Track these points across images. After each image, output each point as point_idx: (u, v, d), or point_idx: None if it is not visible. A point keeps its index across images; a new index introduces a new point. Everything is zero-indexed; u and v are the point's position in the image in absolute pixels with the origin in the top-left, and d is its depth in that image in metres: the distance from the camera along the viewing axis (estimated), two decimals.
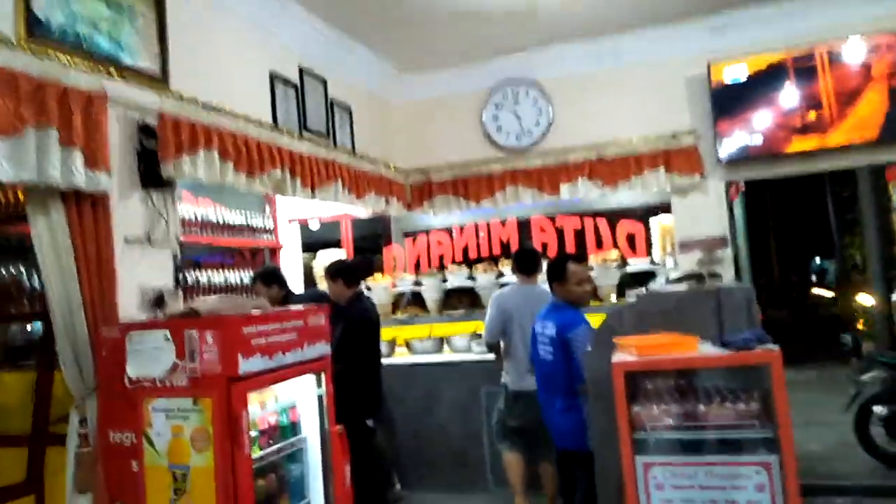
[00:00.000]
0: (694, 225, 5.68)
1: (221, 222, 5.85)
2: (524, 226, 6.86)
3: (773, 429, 2.67)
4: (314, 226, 7.97)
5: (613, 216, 6.93)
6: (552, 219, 6.66)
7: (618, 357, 2.94)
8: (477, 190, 6.11)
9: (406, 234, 8.02)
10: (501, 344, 4.83)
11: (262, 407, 3.29)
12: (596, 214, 6.68)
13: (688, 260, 5.66)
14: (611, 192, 5.82)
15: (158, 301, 3.61)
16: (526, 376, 4.55)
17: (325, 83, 5.37)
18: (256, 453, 3.25)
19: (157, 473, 3.05)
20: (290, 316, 3.33)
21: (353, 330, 4.63)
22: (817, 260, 18.08)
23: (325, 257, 7.07)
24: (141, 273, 3.54)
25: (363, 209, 5.58)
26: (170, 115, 3.54)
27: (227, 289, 5.64)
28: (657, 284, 5.17)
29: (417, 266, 7.08)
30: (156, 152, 3.52)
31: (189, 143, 3.63)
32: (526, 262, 4.87)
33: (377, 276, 6.85)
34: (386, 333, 6.67)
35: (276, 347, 3.19)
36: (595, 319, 3.89)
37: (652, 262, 6.04)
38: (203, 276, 5.50)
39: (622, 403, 2.80)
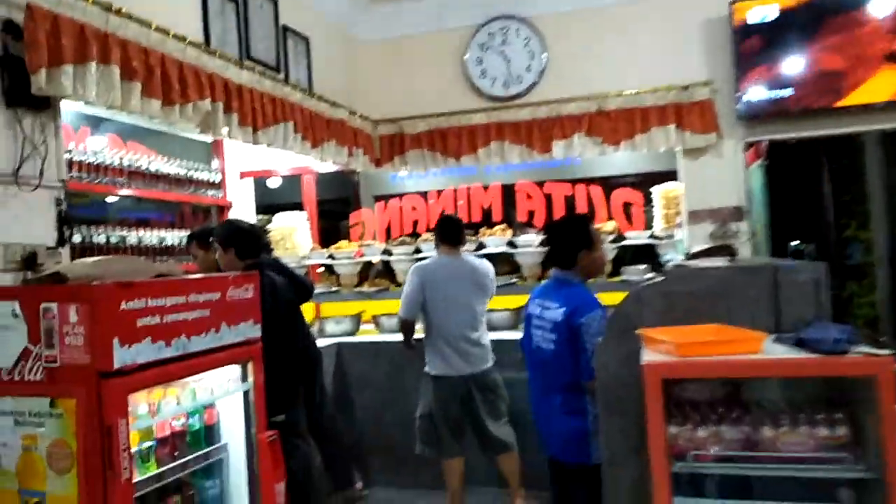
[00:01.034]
0: (706, 193, 4.80)
1: (155, 172, 4.87)
2: (508, 192, 6.00)
3: (871, 466, 1.83)
4: (274, 183, 7.02)
5: (608, 184, 6.09)
6: (540, 185, 5.80)
7: (649, 356, 2.07)
8: (457, 145, 5.14)
9: (377, 199, 7.11)
10: (418, 324, 4.16)
11: (156, 410, 2.37)
12: (589, 181, 5.83)
13: (697, 233, 4.80)
14: (612, 150, 4.91)
15: (29, 262, 2.67)
16: (453, 359, 3.98)
17: (275, 4, 4.38)
18: (150, 471, 2.35)
19: (2, 499, 2.17)
20: (198, 285, 2.40)
21: None
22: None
23: (284, 220, 6.14)
24: (4, 223, 2.60)
25: (321, 160, 4.61)
26: (43, 9, 2.55)
27: (163, 251, 4.69)
28: (675, 259, 4.31)
29: (388, 234, 6.18)
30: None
31: (74, 50, 2.65)
32: (451, 231, 4.20)
33: (342, 243, 5.93)
34: (351, 308, 5.79)
35: (177, 329, 2.26)
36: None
37: (653, 235, 5.18)
38: (132, 236, 4.54)
39: (657, 423, 1.93)
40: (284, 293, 3.58)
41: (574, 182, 5.78)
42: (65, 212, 2.90)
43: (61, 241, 2.87)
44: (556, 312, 3.01)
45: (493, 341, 4.76)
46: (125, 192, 4.37)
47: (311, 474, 4.12)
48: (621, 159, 6.50)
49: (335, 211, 7.93)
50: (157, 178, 4.89)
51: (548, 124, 4.93)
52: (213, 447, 2.63)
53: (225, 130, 3.55)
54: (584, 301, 2.95)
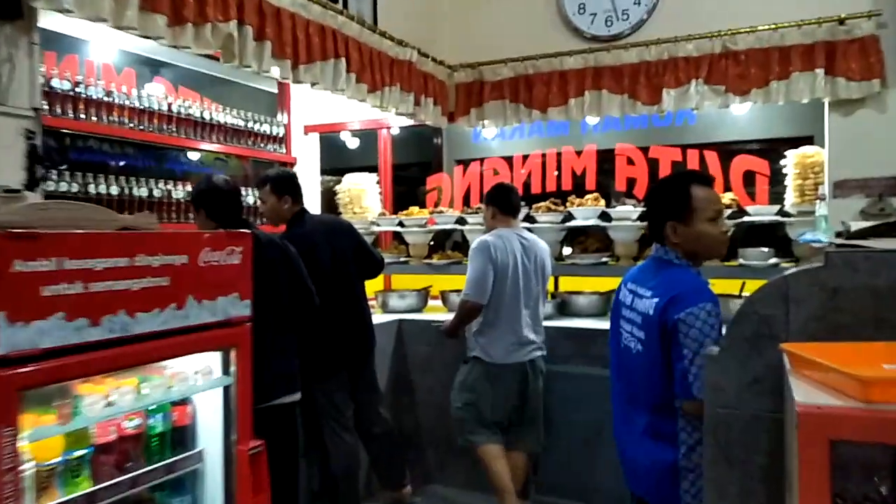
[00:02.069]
0: (858, 159, 3.68)
1: (210, 121, 4.33)
2: (605, 157, 5.08)
3: None
4: (352, 143, 6.42)
5: (727, 150, 5.04)
6: (644, 150, 4.84)
7: (805, 393, 1.22)
8: (544, 94, 4.22)
9: (459, 163, 6.35)
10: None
11: (95, 408, 1.74)
12: (703, 147, 4.81)
13: (842, 210, 3.73)
14: (738, 102, 3.86)
15: None
16: (515, 348, 3.50)
17: None
18: (80, 489, 1.73)
19: None
20: (152, 243, 1.73)
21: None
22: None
23: (353, 181, 5.50)
24: None
25: (381, 108, 3.88)
26: None
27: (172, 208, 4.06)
28: (818, 239, 3.28)
29: (467, 201, 5.43)
30: None
31: None
32: (511, 201, 3.66)
33: (413, 209, 5.23)
34: (419, 282, 5.12)
35: (111, 303, 1.61)
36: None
37: (782, 211, 4.15)
38: (179, 190, 4.02)
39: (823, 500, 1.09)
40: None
41: (685, 147, 4.79)
42: (39, 148, 2.32)
43: (31, 183, 2.29)
44: (649, 303, 2.13)
45: (575, 330, 3.98)
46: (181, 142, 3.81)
47: (351, 475, 3.50)
48: (743, 121, 5.39)
49: (414, 177, 7.23)
50: (212, 128, 4.36)
51: (658, 69, 3.94)
52: (182, 456, 1.99)
53: (254, 61, 2.86)
54: (687, 289, 2.05)
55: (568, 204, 4.69)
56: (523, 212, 4.74)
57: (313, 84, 3.27)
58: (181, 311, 1.76)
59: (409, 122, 4.85)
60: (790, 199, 4.12)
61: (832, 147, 3.82)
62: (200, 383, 1.93)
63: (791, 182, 4.10)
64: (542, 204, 4.73)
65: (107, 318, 1.58)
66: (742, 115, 5.08)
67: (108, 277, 1.58)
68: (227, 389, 1.96)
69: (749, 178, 4.61)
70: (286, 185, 3.48)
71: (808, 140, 4.85)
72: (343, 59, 3.39)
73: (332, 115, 5.16)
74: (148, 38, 2.50)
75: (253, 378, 2.04)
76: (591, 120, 5.34)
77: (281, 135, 4.92)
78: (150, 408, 1.88)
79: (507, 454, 3.57)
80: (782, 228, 4.31)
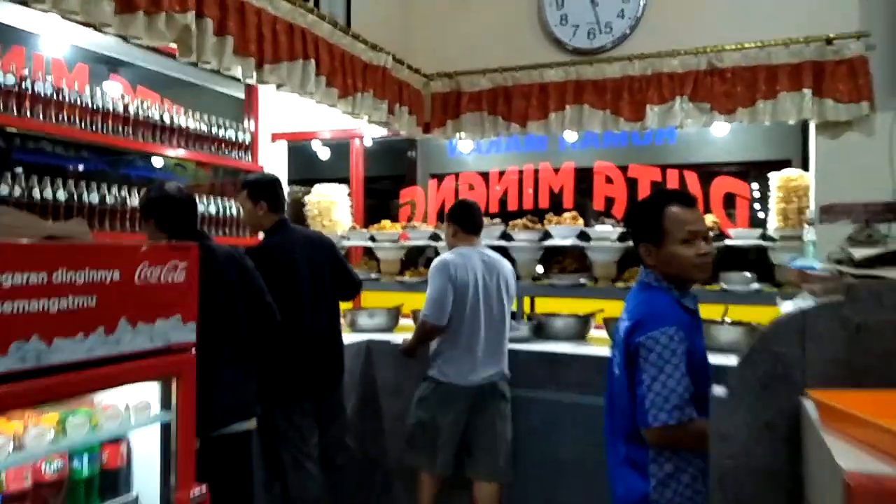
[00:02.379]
0: (844, 183, 3.55)
1: (170, 125, 4.05)
2: (583, 176, 4.92)
3: None
4: (323, 154, 6.16)
5: (706, 170, 4.91)
6: (623, 169, 4.69)
7: (852, 458, 1.01)
8: (524, 107, 4.02)
9: (434, 177, 6.14)
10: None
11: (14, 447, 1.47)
12: (683, 167, 4.67)
13: (828, 236, 3.59)
14: (723, 120, 3.71)
15: None
16: (471, 370, 3.34)
17: None
18: None
19: None
20: (77, 257, 1.48)
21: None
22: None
23: (323, 192, 5.25)
24: None
25: (352, 115, 3.64)
26: None
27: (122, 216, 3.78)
28: (809, 265, 3.11)
29: (441, 216, 5.21)
30: None
31: None
32: (473, 217, 3.54)
33: (385, 223, 5.01)
34: (387, 299, 4.87)
35: (22, 326, 1.36)
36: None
37: (764, 235, 4.01)
38: (135, 197, 3.73)
39: None
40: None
41: (665, 167, 4.65)
42: None
43: None
44: (622, 326, 2.08)
45: (551, 354, 3.78)
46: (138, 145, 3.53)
47: None
48: (722, 143, 5.29)
49: (386, 190, 7.01)
50: (171, 132, 4.09)
51: (641, 84, 3.77)
52: (118, 500, 1.72)
53: (213, 57, 2.62)
54: (653, 312, 1.98)
55: (545, 222, 4.51)
56: (499, 229, 4.57)
57: (279, 86, 3.03)
58: (111, 337, 1.50)
59: (383, 132, 4.63)
60: (773, 222, 3.98)
61: (819, 170, 3.69)
62: (135, 420, 1.66)
63: (774, 205, 3.96)
64: (518, 221, 4.55)
65: (16, 345, 1.32)
66: (721, 137, 4.96)
67: (18, 296, 1.32)
68: (166, 426, 1.70)
69: (729, 200, 4.50)
70: (263, 189, 3.27)
71: (785, 163, 4.75)
72: (312, 61, 3.15)
73: (302, 123, 4.92)
74: (92, 26, 2.24)
75: (202, 405, 1.80)
76: (570, 136, 5.16)
77: (247, 142, 4.66)
78: (74, 449, 1.61)
79: (476, 484, 3.41)
80: (763, 253, 4.18)
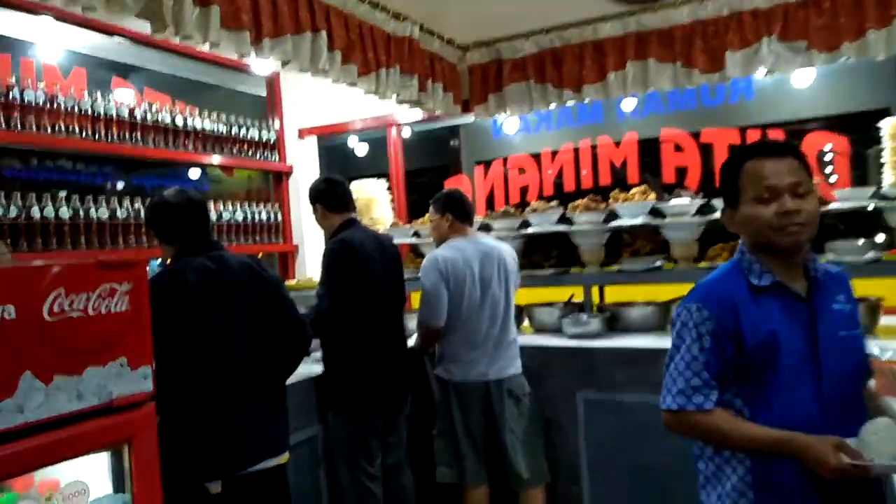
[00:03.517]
0: None
1: (187, 128, 3.62)
2: (648, 146, 4.30)
3: None
4: (361, 150, 5.70)
5: (792, 128, 4.21)
6: (694, 135, 4.05)
7: None
8: (577, 70, 3.36)
9: (479, 163, 5.58)
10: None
11: None
12: (765, 127, 3.99)
13: None
14: (823, 60, 3.01)
15: None
16: (475, 365, 3.08)
17: None
18: None
19: None
20: None
21: (324, 270, 2.88)
22: None
23: (361, 188, 4.76)
24: None
25: (377, 94, 3.11)
26: None
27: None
28: None
29: (491, 204, 4.67)
30: None
31: None
32: (464, 206, 3.26)
33: (427, 216, 4.48)
34: None
35: None
36: None
37: (879, 194, 3.30)
38: (99, 210, 3.29)
39: None
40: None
41: (744, 129, 3.98)
42: None
43: None
44: None
45: (627, 350, 3.23)
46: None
47: None
48: (808, 96, 4.54)
49: (429, 183, 6.48)
50: (191, 136, 3.66)
51: (717, 28, 3.06)
52: None
53: (196, 31, 2.12)
54: (695, 286, 1.73)
55: (611, 200, 3.89)
56: (556, 212, 3.98)
57: (284, 63, 2.52)
58: (10, 402, 1.01)
59: (419, 115, 4.09)
60: (888, 178, 3.26)
61: None
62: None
63: (888, 158, 3.24)
64: (579, 202, 3.92)
65: None
66: (804, 89, 4.23)
67: None
68: None
69: (824, 157, 3.80)
70: (318, 194, 3.06)
71: (884, 113, 4.00)
72: (323, 33, 2.63)
73: (332, 115, 4.44)
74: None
75: (213, 449, 1.33)
76: (628, 105, 4.55)
77: (273, 140, 4.21)
78: None
79: (522, 494, 3.13)
80: (876, 217, 3.46)
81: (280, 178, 4.27)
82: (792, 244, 1.60)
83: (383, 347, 2.90)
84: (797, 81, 4.04)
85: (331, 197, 3.02)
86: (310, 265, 4.32)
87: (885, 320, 3.25)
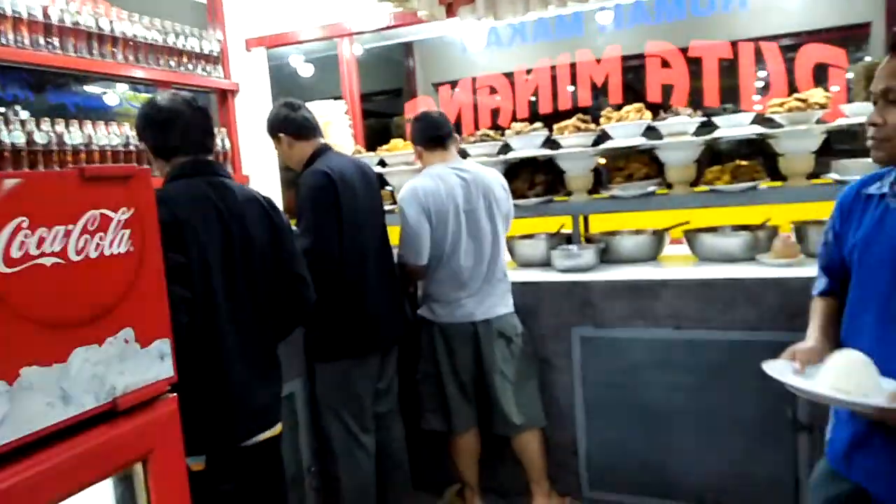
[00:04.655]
0: None
1: (115, 34, 2.94)
2: (632, 62, 3.94)
3: None
4: (305, 70, 5.07)
5: (785, 43, 3.91)
6: (682, 49, 3.71)
7: None
8: None
9: (438, 85, 5.07)
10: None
11: None
12: (758, 40, 3.68)
13: None
14: None
15: None
16: (461, 304, 2.79)
17: None
18: None
19: None
20: None
21: (302, 206, 2.50)
22: None
23: (316, 110, 4.18)
24: None
25: None
26: None
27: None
28: None
29: (458, 129, 4.20)
30: None
31: None
32: (435, 129, 2.85)
33: (396, 142, 4.00)
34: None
35: None
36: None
37: None
38: (82, 132, 2.67)
39: None
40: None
41: (735, 42, 3.66)
42: None
43: None
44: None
45: (624, 283, 2.99)
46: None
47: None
48: (801, 7, 4.26)
49: (382, 111, 5.91)
50: (114, 41, 2.98)
51: None
52: None
53: None
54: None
55: (603, 119, 3.51)
56: (541, 135, 3.57)
57: None
58: None
59: (374, 24, 3.54)
60: None
61: None
62: None
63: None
64: (567, 123, 3.55)
65: None
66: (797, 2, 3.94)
67: None
68: None
69: (821, 72, 3.55)
70: (275, 123, 2.68)
71: (864, 27, 3.76)
72: None
73: (278, 25, 3.80)
74: None
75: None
76: (605, 17, 4.16)
77: (215, 53, 3.55)
78: None
79: (515, 439, 2.90)
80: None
81: (225, 97, 3.64)
82: (876, 159, 1.52)
83: (372, 283, 2.61)
84: None
85: (295, 123, 2.66)
86: None
87: None
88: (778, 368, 1.52)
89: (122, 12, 3.02)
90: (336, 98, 4.23)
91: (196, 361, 1.67)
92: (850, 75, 3.54)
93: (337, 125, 4.06)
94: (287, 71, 4.96)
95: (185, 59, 3.33)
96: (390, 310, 2.71)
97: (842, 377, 1.39)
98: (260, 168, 3.75)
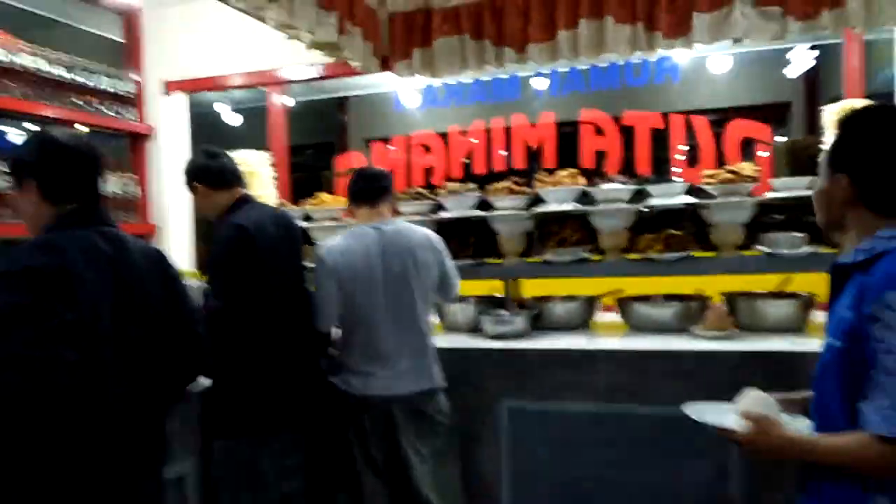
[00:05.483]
0: None
1: (15, 67, 2.64)
2: (567, 129, 3.94)
3: None
4: (234, 119, 4.84)
5: (714, 117, 3.98)
6: (616, 118, 3.72)
7: None
8: (519, 26, 2.88)
9: (370, 141, 4.93)
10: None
11: None
12: (689, 113, 3.73)
13: None
14: (799, 29, 2.68)
15: None
16: (375, 376, 2.48)
17: None
18: None
19: None
20: None
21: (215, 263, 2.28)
22: None
23: (240, 159, 3.94)
24: None
25: (284, 31, 2.40)
26: None
27: None
28: None
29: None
30: None
31: None
32: (365, 185, 2.63)
33: (324, 196, 3.80)
34: None
35: None
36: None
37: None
38: None
39: None
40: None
41: (666, 114, 3.70)
42: None
43: None
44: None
45: (556, 352, 2.80)
46: None
47: None
48: (728, 84, 4.38)
49: (311, 164, 5.71)
50: (16, 75, 2.68)
51: None
52: None
53: None
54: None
55: (537, 183, 3.42)
56: (473, 196, 3.45)
57: None
58: None
59: (307, 74, 3.38)
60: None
61: None
62: None
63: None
64: (499, 184, 3.44)
65: None
66: (723, 76, 4.05)
67: None
68: None
69: (747, 146, 3.62)
70: (195, 172, 2.45)
71: (786, 107, 3.88)
72: None
73: (204, 69, 3.58)
74: None
75: None
76: (541, 83, 4.17)
77: (130, 94, 3.29)
78: None
79: None
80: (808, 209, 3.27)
81: (138, 140, 3.35)
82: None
83: (287, 350, 2.36)
84: (715, 67, 3.91)
85: (212, 172, 2.44)
86: (173, 252, 3.46)
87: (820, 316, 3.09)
88: (698, 409, 1.60)
89: (22, 43, 2.74)
90: (263, 149, 4.01)
91: (74, 434, 1.40)
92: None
93: (260, 176, 3.83)
94: (212, 118, 4.71)
95: (92, 99, 3.04)
96: (306, 380, 2.46)
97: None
98: (171, 218, 3.45)
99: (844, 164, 1.37)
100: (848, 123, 1.40)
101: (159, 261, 1.73)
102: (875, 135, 1.35)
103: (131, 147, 3.39)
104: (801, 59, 4.13)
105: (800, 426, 1.45)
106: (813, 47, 4.25)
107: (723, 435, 1.47)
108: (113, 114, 3.19)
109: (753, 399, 1.51)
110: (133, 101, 3.30)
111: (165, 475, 1.75)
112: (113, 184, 3.17)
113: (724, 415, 1.52)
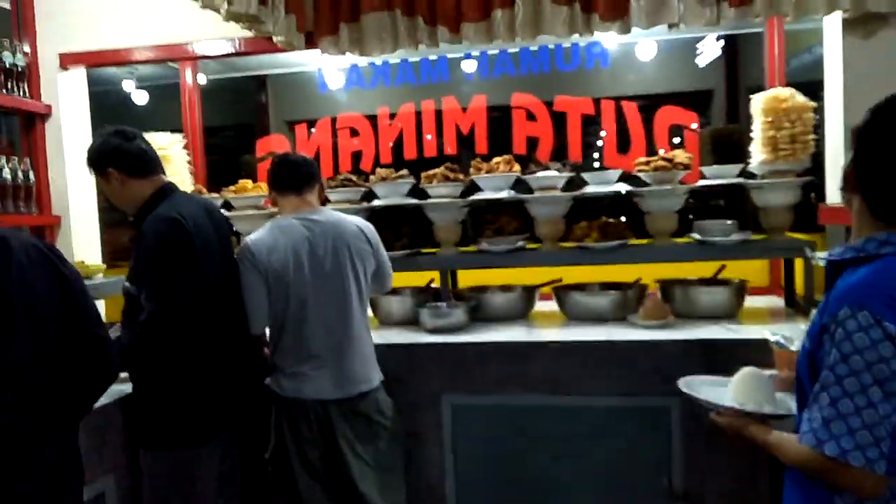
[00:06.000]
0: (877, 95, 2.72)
1: None
2: (499, 113, 3.83)
3: None
4: (140, 97, 4.46)
5: (643, 102, 3.95)
6: (547, 103, 3.64)
7: None
8: (454, 4, 2.71)
9: (293, 123, 4.65)
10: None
11: None
12: (620, 99, 3.69)
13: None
14: (735, 14, 2.59)
15: None
16: (307, 377, 2.32)
17: None
18: None
19: None
20: None
21: (148, 262, 2.01)
22: None
23: (155, 143, 3.60)
24: None
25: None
26: None
27: None
28: None
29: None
30: None
31: None
32: (288, 173, 2.44)
33: (245, 183, 3.54)
34: None
35: None
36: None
37: (745, 171, 3.12)
38: None
39: None
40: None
41: (598, 100, 3.65)
42: None
43: None
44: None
45: (497, 345, 2.75)
46: None
47: None
48: (656, 71, 4.38)
49: (230, 146, 5.37)
50: None
51: None
52: None
53: None
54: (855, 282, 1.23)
55: (472, 170, 3.29)
56: (407, 183, 3.30)
57: None
58: None
59: (220, 50, 3.12)
60: (757, 156, 3.07)
61: (848, 83, 2.79)
62: None
63: (759, 134, 3.05)
64: (435, 171, 3.33)
65: None
66: (650, 63, 4.03)
67: None
68: None
69: (676, 133, 3.63)
70: (108, 155, 2.15)
71: (707, 95, 3.91)
72: None
73: (107, 38, 3.22)
74: None
75: None
76: (470, 66, 4.03)
77: (20, 68, 2.92)
78: None
79: None
80: (739, 195, 3.31)
81: (32, 121, 2.99)
82: None
83: (223, 354, 2.18)
84: (643, 54, 3.90)
85: (129, 156, 2.16)
86: (79, 244, 3.12)
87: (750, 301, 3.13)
88: (689, 383, 1.70)
89: None
90: (175, 131, 3.69)
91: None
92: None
93: (173, 160, 3.51)
94: (118, 97, 4.32)
95: None
96: (241, 384, 2.28)
97: (740, 391, 1.55)
98: (75, 207, 3.11)
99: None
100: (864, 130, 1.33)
101: (47, 255, 1.50)
102: (875, 134, 1.31)
103: (25, 128, 3.02)
104: (710, 49, 4.21)
105: (791, 405, 1.50)
106: (733, 36, 4.33)
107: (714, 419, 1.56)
108: (2, 91, 2.82)
109: (749, 376, 1.53)
110: (23, 76, 2.93)
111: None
112: (6, 169, 2.81)
113: (718, 392, 1.60)
